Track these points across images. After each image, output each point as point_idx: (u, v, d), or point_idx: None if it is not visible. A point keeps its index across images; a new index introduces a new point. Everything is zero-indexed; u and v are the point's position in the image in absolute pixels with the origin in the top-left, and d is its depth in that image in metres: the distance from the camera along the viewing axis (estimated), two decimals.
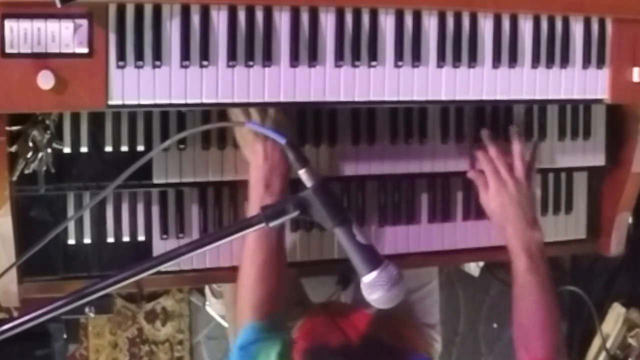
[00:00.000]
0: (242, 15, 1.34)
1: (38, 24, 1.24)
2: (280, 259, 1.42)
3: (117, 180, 1.14)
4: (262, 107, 1.41)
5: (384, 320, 1.62)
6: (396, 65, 1.43)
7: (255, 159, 1.41)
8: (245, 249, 1.39)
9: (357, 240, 1.10)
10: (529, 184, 1.54)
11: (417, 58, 1.43)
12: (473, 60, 1.47)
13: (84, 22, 1.25)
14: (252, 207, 1.39)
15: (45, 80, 1.23)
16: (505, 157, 1.55)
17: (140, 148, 1.44)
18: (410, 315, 1.73)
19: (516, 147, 1.56)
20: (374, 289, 1.09)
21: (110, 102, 1.29)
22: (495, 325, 2.80)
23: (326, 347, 1.48)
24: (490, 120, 1.64)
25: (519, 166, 1.54)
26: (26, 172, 1.36)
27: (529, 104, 1.63)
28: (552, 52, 1.52)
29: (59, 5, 1.16)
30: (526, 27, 1.50)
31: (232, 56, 1.34)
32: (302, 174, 1.11)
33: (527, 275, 1.46)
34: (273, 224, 1.10)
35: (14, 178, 1.35)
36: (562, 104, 1.66)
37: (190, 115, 1.46)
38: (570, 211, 1.75)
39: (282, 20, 1.37)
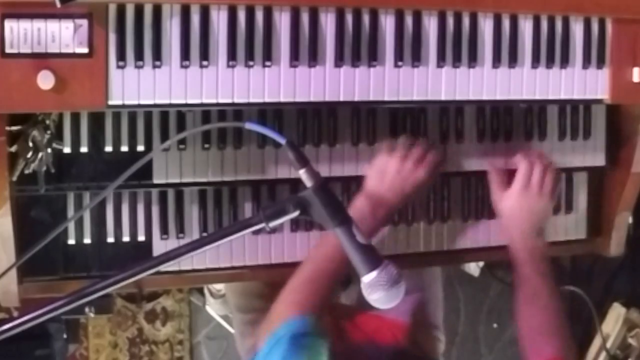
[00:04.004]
0: (242, 15, 1.34)
1: (38, 24, 1.24)
2: (342, 276, 1.44)
3: (117, 180, 1.14)
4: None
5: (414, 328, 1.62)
6: (396, 66, 1.43)
7: (366, 191, 1.47)
8: (323, 250, 1.40)
9: (357, 240, 1.09)
10: (549, 201, 1.56)
11: (417, 58, 1.43)
12: (473, 60, 1.47)
13: (84, 22, 1.26)
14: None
15: (45, 80, 1.23)
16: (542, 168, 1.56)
17: (140, 148, 1.44)
18: (422, 319, 1.74)
19: (551, 163, 1.58)
20: (374, 289, 1.09)
21: (110, 102, 1.30)
22: (495, 325, 2.80)
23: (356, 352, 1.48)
24: (490, 120, 1.64)
25: (549, 180, 1.55)
26: (26, 172, 1.36)
27: (529, 104, 1.63)
28: (552, 52, 1.52)
29: (59, 5, 1.16)
30: (526, 27, 1.50)
31: (232, 56, 1.34)
32: (302, 174, 1.11)
33: (534, 280, 1.47)
34: (273, 224, 1.10)
35: (14, 178, 1.35)
36: (562, 104, 1.66)
37: (190, 115, 1.46)
38: (570, 211, 1.75)
39: (282, 21, 1.37)
